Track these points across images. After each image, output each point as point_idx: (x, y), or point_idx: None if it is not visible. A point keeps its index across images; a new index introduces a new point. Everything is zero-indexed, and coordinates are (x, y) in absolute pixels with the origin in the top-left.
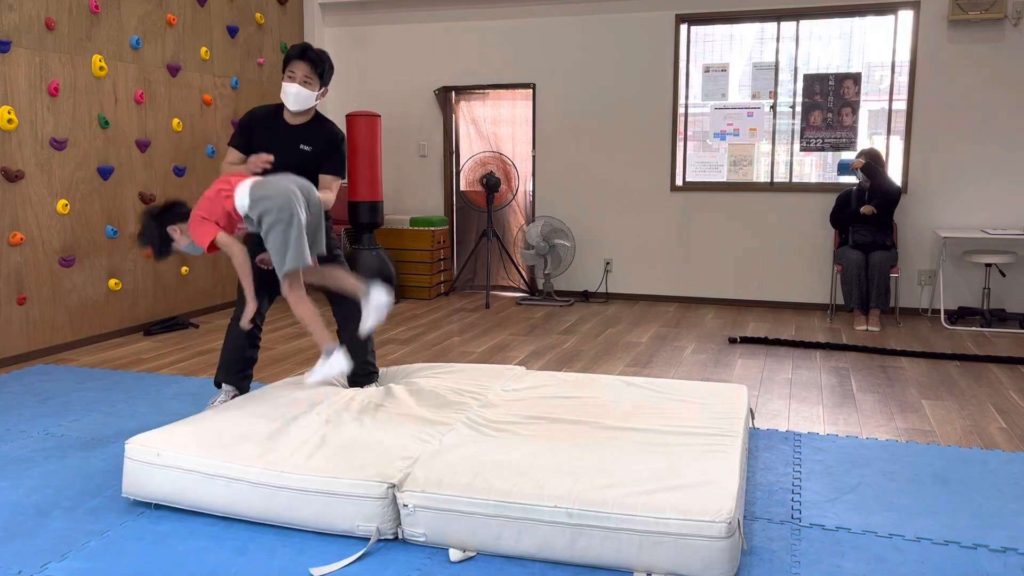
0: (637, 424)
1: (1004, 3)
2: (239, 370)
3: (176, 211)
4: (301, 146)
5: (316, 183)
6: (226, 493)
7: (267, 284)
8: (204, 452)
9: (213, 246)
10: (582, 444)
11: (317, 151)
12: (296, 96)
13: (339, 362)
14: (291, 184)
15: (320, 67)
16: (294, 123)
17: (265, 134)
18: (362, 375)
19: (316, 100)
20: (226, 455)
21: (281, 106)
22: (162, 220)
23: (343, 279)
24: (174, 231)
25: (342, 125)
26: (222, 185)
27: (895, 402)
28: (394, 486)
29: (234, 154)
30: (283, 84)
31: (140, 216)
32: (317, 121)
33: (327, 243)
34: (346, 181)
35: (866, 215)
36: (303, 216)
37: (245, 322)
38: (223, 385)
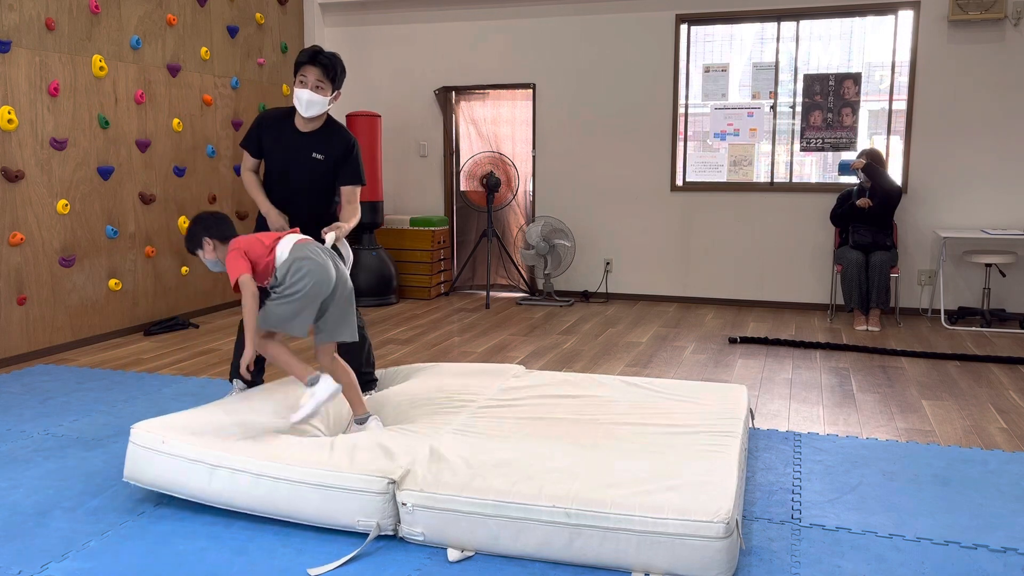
0: (636, 424)
1: (1004, 3)
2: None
3: (222, 228)
4: (313, 155)
5: (330, 190)
6: (228, 484)
7: None
8: (208, 442)
9: (237, 285)
10: (581, 444)
11: (330, 160)
12: (309, 103)
13: (325, 388)
14: (329, 263)
15: (332, 71)
16: (305, 130)
17: (275, 140)
18: (359, 384)
19: (329, 104)
20: (230, 446)
21: (292, 110)
22: (208, 231)
23: (288, 364)
24: (207, 244)
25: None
26: (263, 239)
27: (895, 402)
28: (395, 482)
29: (249, 159)
30: (295, 89)
31: (192, 222)
32: (329, 127)
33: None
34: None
35: (863, 208)
36: (323, 298)
37: (244, 370)
38: (235, 380)
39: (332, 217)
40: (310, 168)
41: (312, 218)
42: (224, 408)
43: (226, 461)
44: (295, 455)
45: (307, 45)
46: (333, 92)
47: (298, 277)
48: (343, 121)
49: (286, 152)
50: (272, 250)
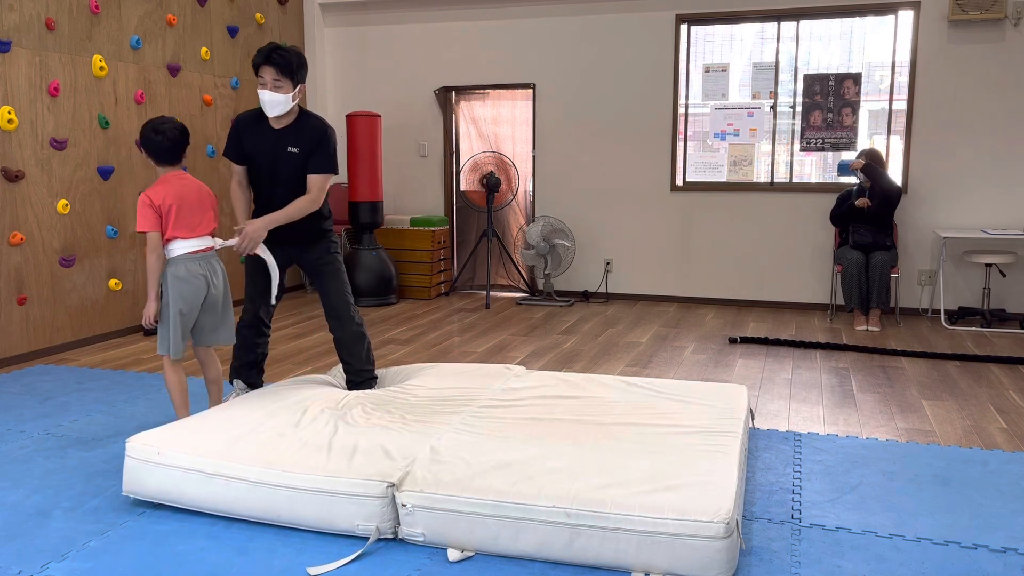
0: (636, 424)
1: (1004, 3)
2: (249, 365)
3: (157, 151)
4: (289, 149)
5: None
6: (226, 492)
7: (269, 283)
8: (205, 451)
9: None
10: (581, 444)
11: (305, 151)
12: (270, 103)
13: None
14: (201, 280)
15: (288, 69)
16: (279, 126)
17: (254, 141)
18: (359, 381)
19: (293, 101)
20: (227, 454)
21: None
22: (143, 144)
23: (173, 398)
24: (142, 150)
25: (342, 126)
26: (203, 206)
27: (895, 402)
28: (393, 485)
29: (236, 168)
30: (258, 91)
31: (145, 125)
32: (302, 120)
33: (322, 256)
34: (339, 180)
35: (862, 208)
36: (189, 316)
37: (145, 322)
38: (235, 381)
39: (317, 212)
40: (289, 163)
41: (305, 237)
42: (218, 416)
43: (223, 469)
44: (292, 461)
45: (307, 45)
46: (295, 87)
47: (167, 297)
48: (343, 122)
49: (265, 151)
50: (175, 239)
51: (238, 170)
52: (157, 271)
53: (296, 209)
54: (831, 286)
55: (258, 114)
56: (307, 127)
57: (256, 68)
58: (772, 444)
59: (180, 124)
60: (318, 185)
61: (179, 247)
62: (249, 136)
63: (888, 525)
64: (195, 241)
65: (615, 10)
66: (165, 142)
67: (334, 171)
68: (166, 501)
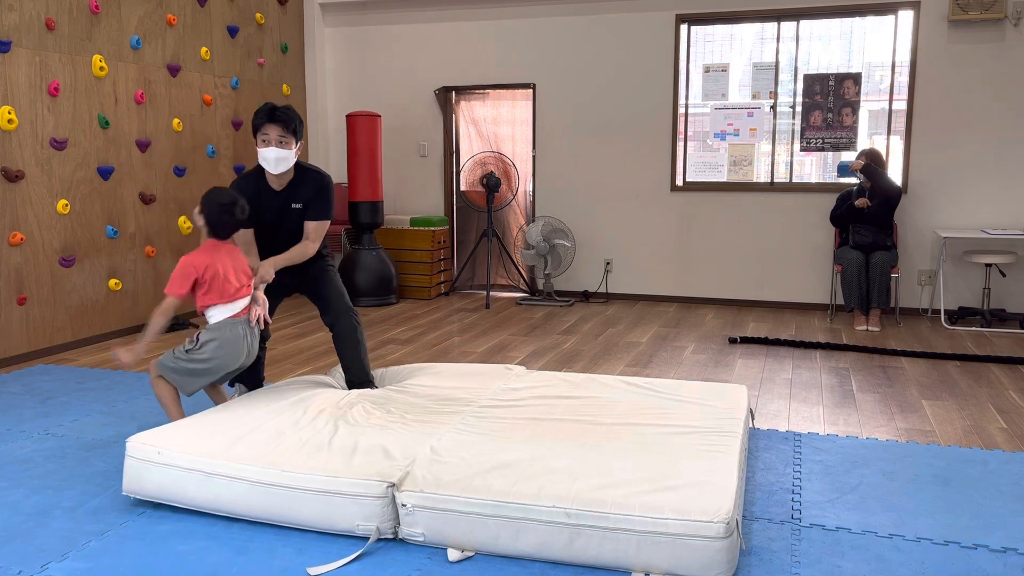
0: (636, 424)
1: (1004, 3)
2: (248, 380)
3: (218, 221)
4: (293, 206)
5: None
6: (226, 492)
7: (273, 290)
8: (205, 451)
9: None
10: (581, 444)
11: (307, 204)
12: (277, 160)
13: None
14: (243, 346)
15: (291, 125)
16: (280, 187)
17: (256, 207)
18: (358, 382)
19: (296, 157)
20: (227, 454)
21: (260, 172)
22: (205, 212)
23: (168, 408)
24: (199, 217)
25: (342, 125)
26: (232, 279)
27: (895, 402)
28: (393, 485)
29: (240, 234)
30: (259, 150)
31: (210, 191)
32: (300, 175)
33: (319, 267)
34: (339, 180)
35: (862, 208)
36: (217, 374)
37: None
38: (236, 384)
39: (321, 257)
40: (294, 218)
41: (303, 263)
42: (218, 415)
43: (223, 469)
44: (292, 460)
45: (307, 45)
46: (297, 143)
47: (208, 353)
48: (343, 122)
49: (273, 211)
50: (215, 305)
51: (243, 237)
52: (159, 330)
53: (299, 253)
54: (831, 286)
55: (255, 179)
56: (307, 181)
57: (257, 128)
58: (772, 444)
59: (244, 202)
60: (317, 231)
61: (220, 312)
62: (255, 201)
63: (888, 525)
64: (234, 305)
65: (615, 10)
66: (234, 222)
67: (331, 217)
68: (166, 501)
